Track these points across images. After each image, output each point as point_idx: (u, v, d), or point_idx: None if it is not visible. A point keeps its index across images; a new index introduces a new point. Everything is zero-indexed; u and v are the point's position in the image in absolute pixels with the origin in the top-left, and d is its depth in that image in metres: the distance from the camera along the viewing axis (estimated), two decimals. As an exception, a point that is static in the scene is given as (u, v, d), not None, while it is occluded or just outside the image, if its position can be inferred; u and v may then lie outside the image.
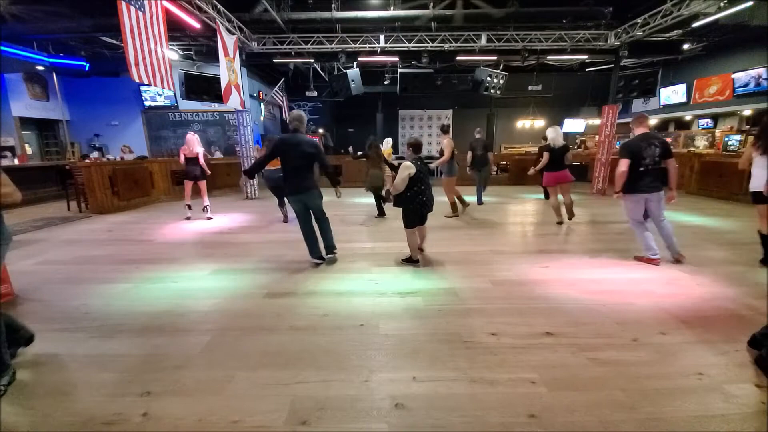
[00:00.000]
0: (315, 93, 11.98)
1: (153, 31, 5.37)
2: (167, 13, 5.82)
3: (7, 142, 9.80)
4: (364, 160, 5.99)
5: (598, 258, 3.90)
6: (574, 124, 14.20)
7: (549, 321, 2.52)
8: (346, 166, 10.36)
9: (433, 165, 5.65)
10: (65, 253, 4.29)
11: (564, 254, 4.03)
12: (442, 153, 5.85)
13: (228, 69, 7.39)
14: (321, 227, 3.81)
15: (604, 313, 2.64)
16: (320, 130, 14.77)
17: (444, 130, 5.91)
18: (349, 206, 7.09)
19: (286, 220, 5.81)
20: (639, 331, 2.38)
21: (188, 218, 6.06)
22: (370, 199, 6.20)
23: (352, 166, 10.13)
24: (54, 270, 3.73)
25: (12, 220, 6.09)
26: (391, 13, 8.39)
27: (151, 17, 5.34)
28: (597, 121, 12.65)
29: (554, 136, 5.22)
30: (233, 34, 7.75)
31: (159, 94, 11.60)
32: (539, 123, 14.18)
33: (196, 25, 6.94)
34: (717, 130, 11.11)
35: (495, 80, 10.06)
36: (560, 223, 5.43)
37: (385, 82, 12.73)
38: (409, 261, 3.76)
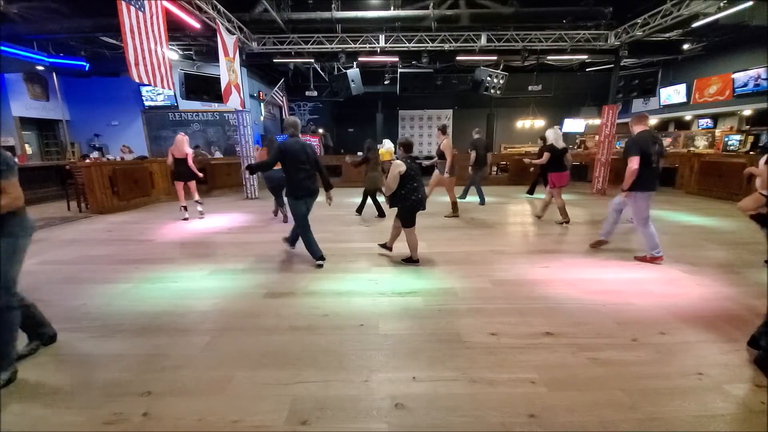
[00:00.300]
0: (315, 93, 11.98)
1: (153, 31, 5.38)
2: (167, 13, 5.82)
3: (7, 142, 9.80)
4: (363, 164, 6.02)
5: (598, 258, 3.90)
6: (574, 124, 14.19)
7: (549, 321, 2.52)
8: (346, 167, 10.36)
9: (446, 172, 5.68)
10: (65, 253, 4.29)
11: (564, 254, 4.03)
12: (440, 153, 5.82)
13: (228, 69, 7.39)
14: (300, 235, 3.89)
15: (604, 313, 2.64)
16: (320, 130, 14.76)
17: (443, 130, 5.91)
18: (349, 206, 7.08)
19: (285, 220, 5.82)
20: (639, 331, 2.38)
21: (185, 219, 6.08)
22: (369, 200, 6.21)
23: (352, 167, 10.14)
24: (54, 270, 3.73)
25: (12, 220, 6.08)
26: (391, 13, 8.38)
27: (151, 17, 5.34)
28: (597, 121, 12.64)
29: (556, 137, 5.24)
30: (233, 34, 7.75)
31: (158, 94, 11.60)
32: (539, 123, 14.17)
33: (196, 25, 6.94)
34: (717, 130, 11.11)
35: (495, 80, 10.06)
36: (561, 222, 5.46)
37: (385, 82, 12.72)
38: (409, 261, 3.76)
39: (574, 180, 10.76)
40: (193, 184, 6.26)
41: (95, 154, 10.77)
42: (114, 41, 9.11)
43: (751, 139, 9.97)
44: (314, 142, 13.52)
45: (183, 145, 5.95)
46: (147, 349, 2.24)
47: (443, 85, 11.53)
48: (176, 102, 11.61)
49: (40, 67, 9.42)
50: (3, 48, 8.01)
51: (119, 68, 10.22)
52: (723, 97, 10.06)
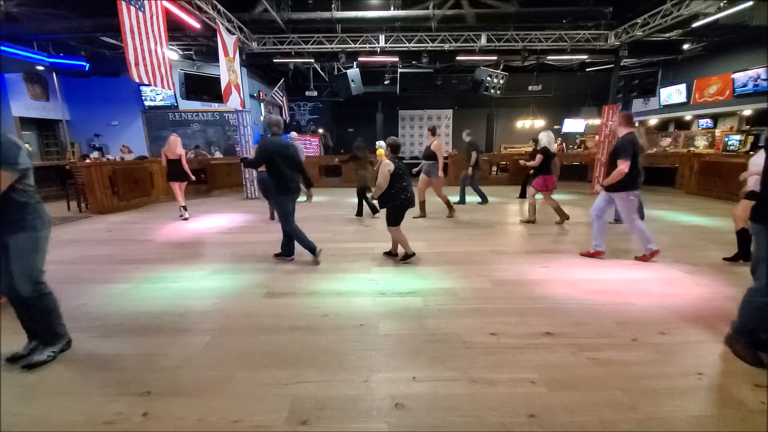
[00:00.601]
0: (315, 93, 11.98)
1: (153, 31, 5.38)
2: (167, 13, 5.82)
3: (7, 142, 9.78)
4: (352, 162, 6.06)
5: (598, 258, 3.90)
6: (574, 124, 14.19)
7: (549, 321, 2.52)
8: (346, 168, 10.36)
9: (440, 173, 5.70)
10: (65, 253, 4.29)
11: (564, 254, 4.03)
12: (429, 155, 5.79)
13: (228, 69, 7.39)
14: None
15: (604, 313, 2.64)
16: (320, 130, 14.76)
17: (432, 131, 5.92)
18: (348, 206, 7.09)
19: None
20: (639, 331, 2.38)
21: (185, 219, 6.09)
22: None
23: (342, 164, 10.15)
24: (54, 270, 3.70)
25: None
26: (391, 13, 8.39)
27: (151, 17, 5.34)
28: (597, 121, 12.64)
29: (549, 140, 5.26)
30: (233, 34, 7.75)
31: (157, 94, 11.60)
32: (539, 123, 14.17)
33: (196, 25, 6.94)
34: (717, 130, 11.11)
35: (495, 80, 10.06)
36: (531, 222, 5.53)
37: (385, 82, 12.72)
38: (407, 257, 3.78)
39: (574, 180, 10.81)
40: (183, 185, 6.29)
41: (95, 154, 10.78)
42: (114, 41, 9.10)
43: (751, 139, 9.96)
44: (314, 142, 13.53)
45: (176, 146, 5.99)
46: (147, 349, 2.24)
47: (443, 85, 11.52)
48: (176, 102, 11.61)
49: (40, 67, 9.42)
50: (3, 48, 8.01)
51: (119, 68, 10.22)
52: (723, 97, 10.06)
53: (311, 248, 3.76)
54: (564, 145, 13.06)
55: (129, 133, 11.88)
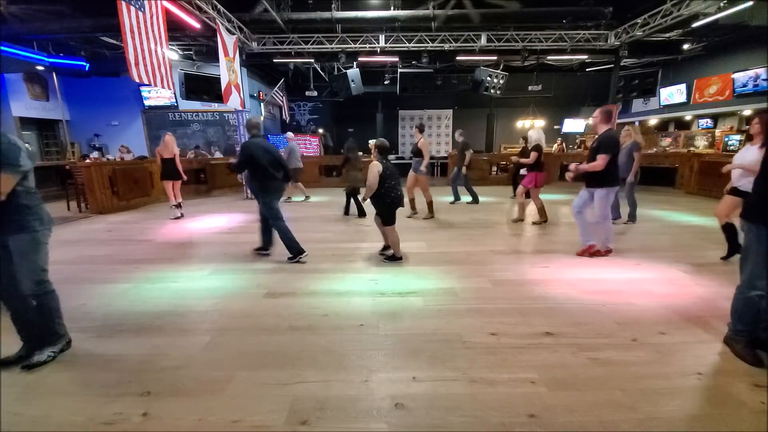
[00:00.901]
0: (315, 93, 11.98)
1: (153, 31, 5.38)
2: (167, 13, 5.82)
3: (7, 142, 9.79)
4: (344, 164, 6.09)
5: (598, 258, 3.90)
6: (574, 124, 14.20)
7: (549, 321, 2.52)
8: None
9: (423, 168, 5.69)
10: (65, 253, 4.29)
11: (564, 254, 4.03)
12: (416, 151, 5.78)
13: (228, 69, 7.39)
14: (267, 225, 4.00)
15: (604, 313, 2.64)
16: (320, 130, 14.76)
17: (420, 128, 5.89)
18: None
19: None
20: (639, 331, 2.38)
21: (177, 217, 6.18)
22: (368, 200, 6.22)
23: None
24: (54, 270, 3.68)
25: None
26: (391, 13, 8.39)
27: (151, 17, 5.34)
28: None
29: (539, 137, 5.27)
30: (233, 34, 7.75)
31: (156, 93, 11.60)
32: (539, 123, 14.18)
33: (196, 25, 6.94)
34: (717, 130, 11.12)
35: (495, 80, 10.06)
36: (521, 220, 5.54)
37: (385, 82, 12.73)
38: (393, 258, 3.80)
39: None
40: (178, 184, 6.34)
41: (95, 154, 10.77)
42: (114, 41, 9.11)
43: (751, 139, 9.96)
44: (314, 142, 13.53)
45: (171, 145, 6.06)
46: (147, 349, 2.24)
47: (443, 85, 11.53)
48: (176, 102, 11.61)
49: (40, 67, 9.43)
50: (3, 48, 8.01)
51: (119, 68, 10.23)
52: (723, 97, 10.06)
53: (298, 250, 3.80)
54: (564, 145, 13.07)
55: (129, 133, 11.89)
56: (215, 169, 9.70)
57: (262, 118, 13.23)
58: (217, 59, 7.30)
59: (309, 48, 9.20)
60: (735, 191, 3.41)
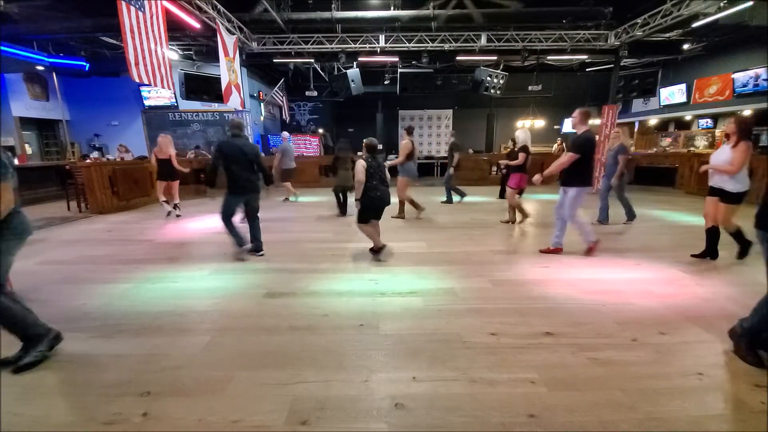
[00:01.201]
0: (315, 93, 11.98)
1: (153, 31, 5.38)
2: (167, 13, 5.83)
3: (7, 142, 9.81)
4: (336, 162, 6.13)
5: (598, 258, 3.90)
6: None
7: (549, 321, 2.52)
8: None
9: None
10: (65, 253, 4.29)
11: (564, 254, 4.03)
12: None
13: (228, 69, 7.39)
14: (254, 225, 4.03)
15: (604, 313, 2.64)
16: (320, 130, 14.77)
17: (408, 130, 5.88)
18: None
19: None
20: (639, 331, 2.38)
21: (169, 214, 6.25)
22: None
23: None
24: (54, 270, 3.73)
25: (12, 220, 6.08)
26: (391, 13, 8.39)
27: (151, 17, 5.34)
28: (597, 121, 12.65)
29: (525, 138, 5.28)
30: (233, 34, 7.75)
31: (156, 93, 11.60)
32: (539, 123, 14.19)
33: (196, 25, 6.94)
34: (717, 130, 11.11)
35: (495, 80, 10.06)
36: (513, 222, 5.51)
37: (385, 82, 12.73)
38: (375, 251, 3.86)
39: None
40: (176, 184, 6.40)
41: (95, 154, 10.78)
42: (114, 41, 9.11)
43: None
44: (314, 142, 13.54)
45: (167, 146, 6.12)
46: (147, 349, 2.24)
47: (443, 85, 11.54)
48: (176, 102, 11.61)
49: (40, 67, 9.43)
50: (3, 48, 8.02)
51: (119, 68, 10.22)
52: (723, 97, 10.07)
53: (241, 243, 3.86)
54: (564, 145, 13.06)
55: (129, 133, 11.89)
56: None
57: (262, 119, 13.25)
58: (217, 59, 7.31)
59: (309, 48, 9.20)
60: (712, 190, 3.53)
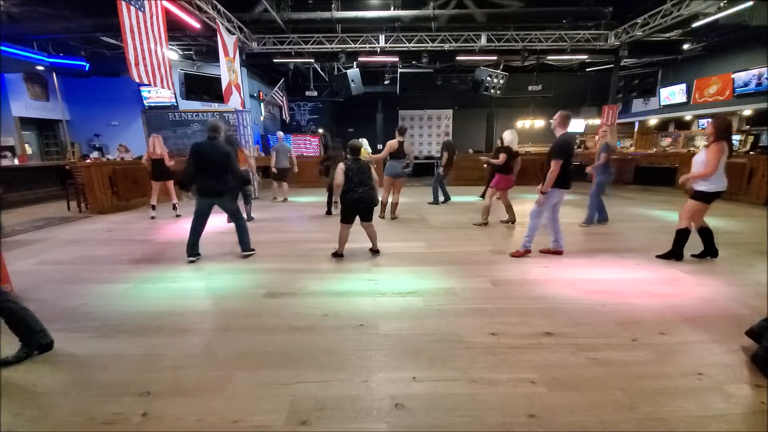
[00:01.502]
0: (315, 93, 11.98)
1: (153, 31, 5.37)
2: (167, 13, 5.82)
3: (7, 142, 9.80)
4: (328, 161, 6.17)
5: (598, 258, 3.90)
6: (574, 124, 14.14)
7: (549, 321, 2.52)
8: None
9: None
10: (65, 253, 4.29)
11: (564, 254, 4.03)
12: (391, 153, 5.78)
13: (228, 69, 7.39)
14: (237, 227, 4.04)
15: (604, 313, 2.64)
16: (320, 130, 14.76)
17: (400, 131, 5.79)
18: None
19: (249, 218, 5.95)
20: (639, 331, 2.38)
21: (153, 218, 6.24)
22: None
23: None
24: (54, 270, 3.73)
25: (12, 219, 6.09)
26: (391, 13, 8.38)
27: (151, 17, 5.34)
28: (597, 121, 12.65)
29: (512, 139, 5.28)
30: (233, 34, 7.75)
31: (156, 93, 11.60)
32: (539, 123, 14.18)
33: (196, 25, 6.94)
34: (717, 130, 11.09)
35: (495, 80, 10.06)
36: (485, 224, 5.45)
37: (385, 82, 12.72)
38: (336, 255, 3.95)
39: (575, 180, 10.80)
40: (170, 184, 6.41)
41: (95, 154, 10.78)
42: (114, 41, 9.11)
43: (751, 139, 9.97)
44: (314, 142, 13.53)
45: (154, 146, 6.13)
46: (146, 349, 2.24)
47: (443, 85, 11.53)
48: (176, 102, 11.60)
49: (40, 67, 9.42)
50: (3, 48, 8.01)
51: (119, 68, 10.23)
52: (723, 97, 10.06)
53: (191, 252, 3.88)
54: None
55: (129, 133, 11.88)
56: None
57: (262, 119, 13.24)
58: (217, 59, 7.30)
59: (309, 48, 9.20)
60: (693, 193, 3.56)
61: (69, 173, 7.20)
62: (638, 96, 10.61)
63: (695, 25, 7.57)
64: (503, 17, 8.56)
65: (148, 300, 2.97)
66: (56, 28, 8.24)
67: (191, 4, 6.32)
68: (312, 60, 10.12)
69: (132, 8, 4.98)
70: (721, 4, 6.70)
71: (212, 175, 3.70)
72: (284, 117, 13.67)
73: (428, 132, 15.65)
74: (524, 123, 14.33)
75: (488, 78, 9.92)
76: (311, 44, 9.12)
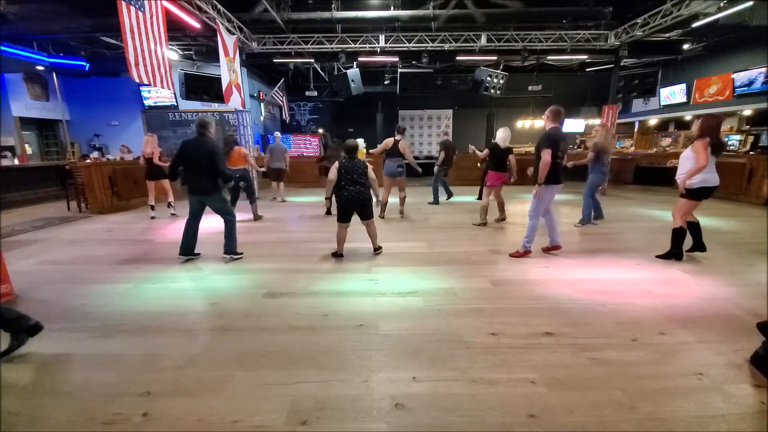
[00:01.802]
0: (315, 93, 11.98)
1: (153, 31, 5.37)
2: (167, 13, 5.82)
3: (7, 142, 9.80)
4: (326, 160, 6.17)
5: (598, 258, 3.90)
6: (574, 124, 14.19)
7: (549, 321, 2.52)
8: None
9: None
10: (65, 253, 4.29)
11: (563, 254, 4.03)
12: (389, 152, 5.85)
13: (228, 69, 7.39)
14: (225, 226, 3.98)
15: (604, 313, 2.64)
16: (320, 130, 14.75)
17: (398, 130, 5.87)
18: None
19: (256, 218, 6.05)
20: (639, 331, 2.38)
21: (153, 218, 6.24)
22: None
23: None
24: (54, 270, 3.73)
25: (12, 220, 6.10)
26: (391, 13, 8.38)
27: (151, 17, 5.34)
28: (597, 121, 12.64)
29: (503, 136, 5.34)
30: (233, 34, 7.75)
31: (156, 93, 11.59)
32: (539, 123, 14.17)
33: (196, 25, 6.94)
34: (716, 131, 11.09)
35: (495, 80, 10.05)
36: (484, 224, 5.44)
37: (385, 82, 12.72)
38: (335, 255, 3.96)
39: (574, 180, 10.77)
40: (166, 182, 6.42)
41: (95, 154, 10.77)
42: (114, 41, 9.10)
43: (751, 139, 9.97)
44: (314, 141, 13.53)
45: (145, 145, 6.15)
46: (147, 349, 2.24)
47: (443, 85, 11.53)
48: (176, 102, 11.60)
49: (40, 67, 9.42)
50: (3, 48, 8.01)
51: (119, 68, 10.22)
52: (723, 97, 10.06)
53: (183, 250, 3.89)
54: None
55: (129, 133, 11.86)
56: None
57: (262, 118, 13.24)
58: (217, 59, 7.30)
59: (309, 48, 9.20)
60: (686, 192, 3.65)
61: (69, 173, 7.20)
62: (638, 96, 10.61)
63: (695, 25, 7.57)
64: (503, 17, 8.55)
65: (148, 300, 2.97)
66: (56, 28, 8.24)
67: (191, 4, 6.32)
68: (312, 60, 10.12)
69: (132, 8, 4.98)
70: (721, 4, 6.70)
71: (196, 173, 3.68)
72: (284, 117, 13.67)
73: (428, 132, 15.65)
74: (524, 123, 14.33)
75: (488, 78, 9.92)
76: (311, 44, 9.12)
